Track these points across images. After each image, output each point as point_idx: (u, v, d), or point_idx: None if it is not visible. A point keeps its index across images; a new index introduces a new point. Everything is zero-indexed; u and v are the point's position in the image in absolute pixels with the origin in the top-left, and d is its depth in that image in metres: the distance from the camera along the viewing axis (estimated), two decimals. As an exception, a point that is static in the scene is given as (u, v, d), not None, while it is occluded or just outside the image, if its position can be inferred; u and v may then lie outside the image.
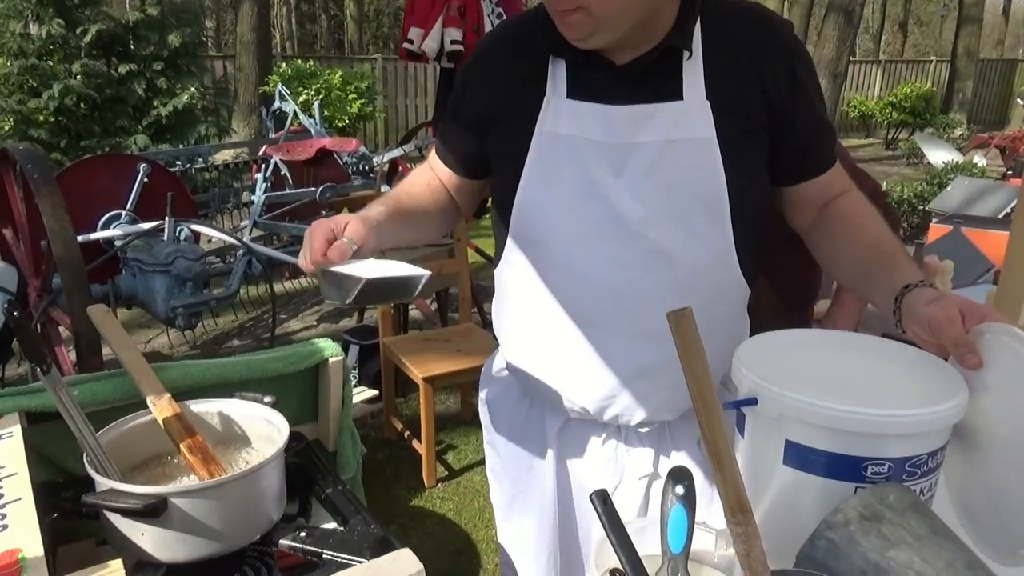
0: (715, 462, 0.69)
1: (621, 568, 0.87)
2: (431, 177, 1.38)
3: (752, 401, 0.98)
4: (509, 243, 1.26)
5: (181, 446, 1.11)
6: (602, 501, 0.87)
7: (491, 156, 1.28)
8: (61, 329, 3.35)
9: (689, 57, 1.12)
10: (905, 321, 1.06)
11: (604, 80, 1.15)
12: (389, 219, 1.21)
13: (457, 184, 1.37)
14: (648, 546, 0.91)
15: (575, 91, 1.16)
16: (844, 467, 0.95)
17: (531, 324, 1.28)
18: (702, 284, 1.18)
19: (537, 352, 1.29)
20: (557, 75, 1.17)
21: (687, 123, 1.12)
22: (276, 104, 6.26)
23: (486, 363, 1.50)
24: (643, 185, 1.13)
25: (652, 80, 1.14)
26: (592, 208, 1.16)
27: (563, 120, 1.16)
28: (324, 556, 1.01)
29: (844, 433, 0.93)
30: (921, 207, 6.35)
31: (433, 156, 1.39)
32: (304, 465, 1.29)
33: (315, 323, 4.94)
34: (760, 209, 1.24)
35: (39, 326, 3.25)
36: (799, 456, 0.98)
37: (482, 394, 1.50)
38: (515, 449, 1.41)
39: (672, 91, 1.13)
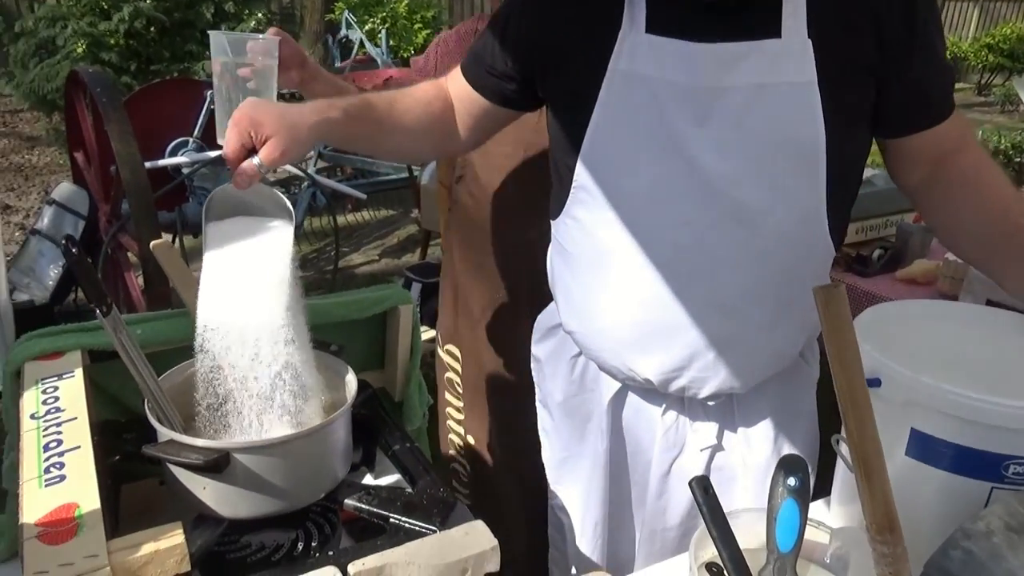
0: (862, 469, 0.59)
1: (720, 563, 0.79)
2: (436, 95, 1.23)
3: (875, 383, 0.87)
4: (573, 194, 1.13)
5: (245, 394, 1.06)
6: (703, 489, 0.78)
7: (552, 96, 1.15)
8: (130, 255, 3.38)
9: None
10: None
11: (690, 13, 1.00)
12: (349, 123, 1.09)
13: (482, 109, 1.22)
14: (746, 536, 0.82)
15: (655, 25, 1.01)
16: (979, 464, 0.84)
17: (590, 286, 1.16)
18: (786, 248, 1.06)
19: (595, 317, 1.17)
20: (635, 6, 1.02)
21: (784, 65, 0.98)
22: (343, 32, 6.17)
23: (540, 316, 1.40)
24: (730, 137, 1.00)
25: (746, 14, 0.98)
26: (669, 161, 1.03)
27: (640, 58, 1.02)
28: (391, 520, 0.95)
29: (981, 426, 0.82)
30: (1018, 159, 5.94)
31: (456, 73, 1.24)
32: (370, 416, 1.23)
33: (377, 257, 4.92)
34: (858, 164, 1.10)
35: (109, 251, 3.28)
36: (924, 447, 0.87)
37: (534, 349, 1.40)
38: (567, 411, 1.33)
39: (769, 27, 0.98)
